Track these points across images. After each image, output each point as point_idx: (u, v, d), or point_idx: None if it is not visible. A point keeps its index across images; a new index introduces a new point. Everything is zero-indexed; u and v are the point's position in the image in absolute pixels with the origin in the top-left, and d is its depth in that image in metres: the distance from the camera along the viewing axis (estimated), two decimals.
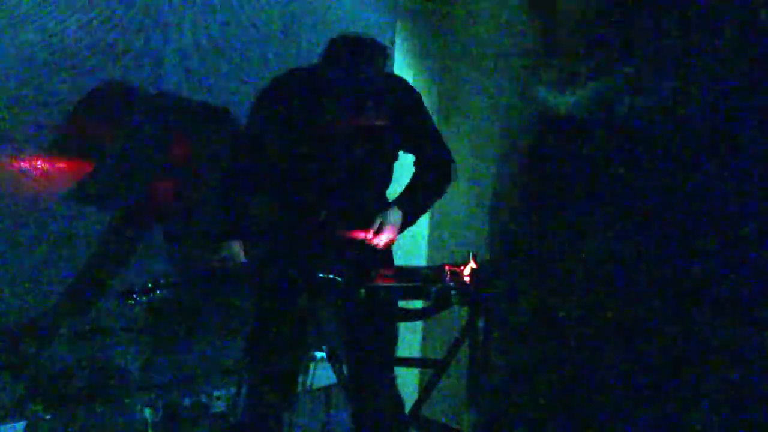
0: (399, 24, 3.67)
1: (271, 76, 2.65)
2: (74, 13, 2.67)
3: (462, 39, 3.79)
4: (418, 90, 2.75)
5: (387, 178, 2.74)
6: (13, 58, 2.56)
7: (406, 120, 2.61)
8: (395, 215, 2.61)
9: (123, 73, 2.80)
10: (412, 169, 2.77)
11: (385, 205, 2.64)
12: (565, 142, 3.35)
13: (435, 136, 2.76)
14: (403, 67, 3.72)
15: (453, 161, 2.78)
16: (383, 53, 2.46)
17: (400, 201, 2.67)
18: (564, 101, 3.35)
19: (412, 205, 2.68)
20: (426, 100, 3.76)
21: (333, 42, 2.44)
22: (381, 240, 2.57)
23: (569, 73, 3.33)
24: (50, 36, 2.62)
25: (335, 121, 2.45)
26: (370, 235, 2.56)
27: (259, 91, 2.60)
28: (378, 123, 2.46)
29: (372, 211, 2.60)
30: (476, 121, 3.72)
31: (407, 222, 2.67)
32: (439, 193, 2.77)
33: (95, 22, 2.72)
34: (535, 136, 3.49)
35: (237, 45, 3.07)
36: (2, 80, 2.55)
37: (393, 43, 3.65)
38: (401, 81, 2.74)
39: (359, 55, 2.40)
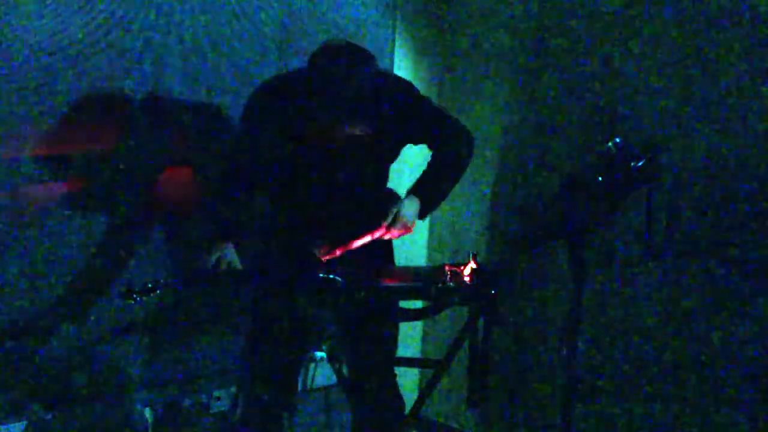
0: (399, 24, 3.67)
1: (264, 79, 2.65)
2: (74, 13, 2.67)
3: (462, 39, 3.78)
4: (410, 83, 2.70)
5: (383, 180, 2.71)
6: (13, 58, 2.56)
7: (405, 118, 2.56)
8: (411, 205, 2.57)
9: (123, 73, 2.80)
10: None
11: (397, 197, 2.61)
12: (565, 143, 3.35)
13: (439, 116, 2.68)
14: (403, 67, 3.72)
15: (466, 131, 2.70)
16: (369, 60, 2.40)
17: (416, 189, 2.62)
18: (564, 101, 3.35)
19: (428, 191, 2.63)
20: None
21: (321, 49, 2.41)
22: (395, 233, 2.54)
23: (569, 74, 3.33)
24: (50, 36, 2.62)
25: (327, 130, 2.41)
26: (382, 231, 2.52)
27: (250, 96, 2.59)
28: (369, 129, 2.43)
29: (368, 211, 2.57)
30: (476, 121, 3.72)
31: (426, 209, 2.62)
32: (458, 170, 2.69)
33: (95, 22, 2.72)
34: (535, 137, 3.49)
35: (237, 45, 3.07)
36: (2, 80, 2.55)
37: (393, 42, 3.65)
38: (394, 79, 2.68)
39: (346, 62, 2.35)
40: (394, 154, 2.70)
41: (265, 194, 2.71)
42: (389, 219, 2.52)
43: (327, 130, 2.40)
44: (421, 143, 2.71)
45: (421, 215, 2.62)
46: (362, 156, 2.53)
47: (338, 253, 2.49)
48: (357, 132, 2.39)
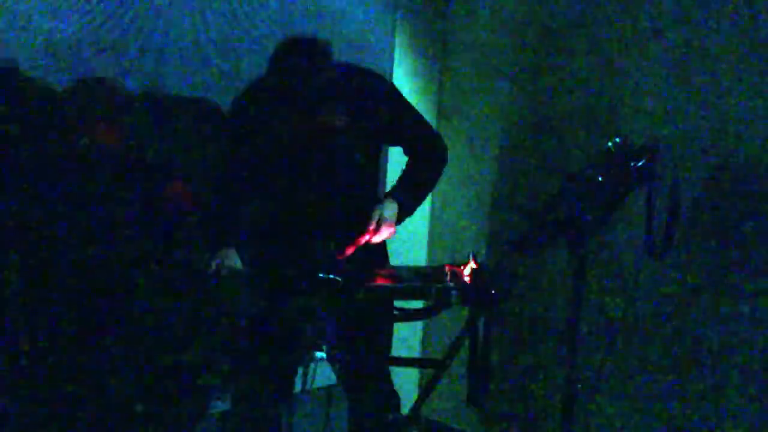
0: (399, 24, 3.67)
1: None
2: (73, 13, 2.67)
3: (462, 39, 3.78)
4: (391, 82, 2.71)
5: (370, 175, 2.71)
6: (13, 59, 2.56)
7: (377, 113, 2.57)
8: (391, 208, 2.59)
9: (123, 72, 2.80)
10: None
11: (377, 200, 2.62)
12: (565, 143, 3.35)
13: (416, 121, 2.70)
14: (403, 67, 3.72)
15: (443, 145, 2.73)
16: (319, 49, 2.41)
17: (394, 193, 2.65)
18: (564, 101, 3.35)
19: (407, 196, 2.65)
20: (426, 100, 3.79)
21: (275, 47, 2.44)
22: (381, 236, 2.56)
23: (569, 74, 3.33)
24: (50, 36, 2.62)
25: (292, 126, 2.44)
26: (368, 235, 2.54)
27: (232, 100, 2.65)
28: (335, 121, 2.44)
29: (356, 208, 2.58)
30: (476, 121, 3.72)
31: (404, 213, 2.64)
32: (433, 178, 2.73)
33: (95, 22, 2.72)
34: (535, 137, 3.49)
35: (237, 45, 3.07)
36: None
37: (393, 42, 3.65)
38: (367, 74, 2.67)
39: (297, 57, 2.37)
40: (373, 151, 2.70)
41: (260, 196, 2.72)
42: (373, 223, 2.54)
43: (293, 123, 2.43)
44: (397, 145, 2.75)
45: (399, 220, 2.64)
46: (340, 150, 2.54)
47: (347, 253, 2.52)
48: (325, 121, 2.41)
